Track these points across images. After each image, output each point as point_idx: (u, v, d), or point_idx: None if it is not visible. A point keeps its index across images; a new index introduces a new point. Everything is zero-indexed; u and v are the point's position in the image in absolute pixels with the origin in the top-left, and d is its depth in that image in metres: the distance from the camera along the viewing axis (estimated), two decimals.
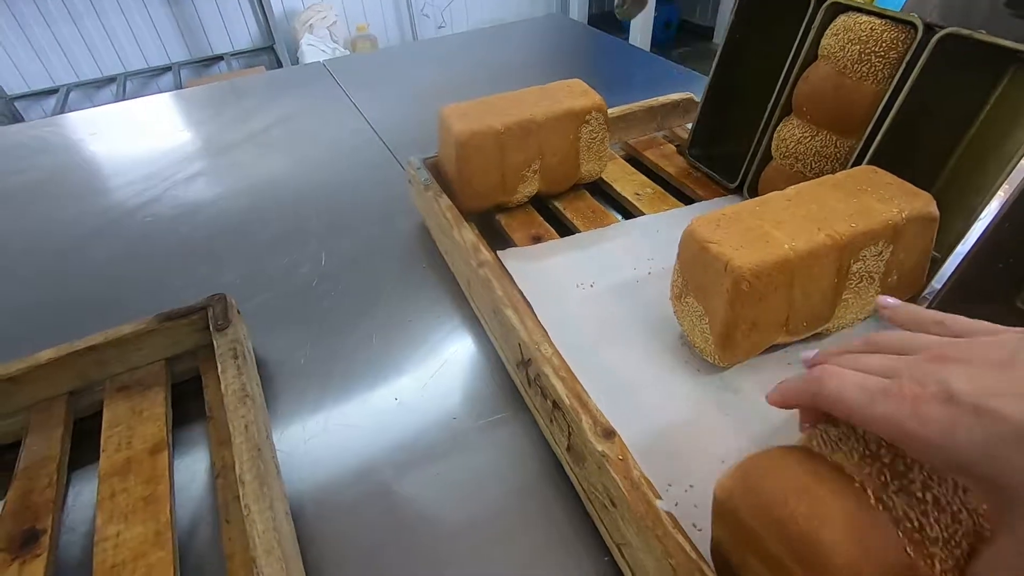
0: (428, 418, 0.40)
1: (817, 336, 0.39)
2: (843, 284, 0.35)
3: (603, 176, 0.57)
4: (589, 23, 3.08)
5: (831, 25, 0.43)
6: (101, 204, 0.67)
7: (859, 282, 0.36)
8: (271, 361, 0.45)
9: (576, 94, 0.51)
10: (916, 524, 0.20)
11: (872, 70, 0.40)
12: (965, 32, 0.36)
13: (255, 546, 0.27)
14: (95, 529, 0.32)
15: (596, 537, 0.32)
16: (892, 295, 0.37)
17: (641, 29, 2.61)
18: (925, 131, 0.39)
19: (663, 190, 0.56)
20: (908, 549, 0.19)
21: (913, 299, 0.40)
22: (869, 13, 0.40)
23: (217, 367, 0.38)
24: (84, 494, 0.36)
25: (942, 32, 0.36)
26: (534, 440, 0.38)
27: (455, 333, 0.46)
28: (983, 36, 0.35)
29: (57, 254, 0.59)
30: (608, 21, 3.29)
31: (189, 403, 0.41)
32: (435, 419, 0.40)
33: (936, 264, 0.40)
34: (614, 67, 0.98)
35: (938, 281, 0.40)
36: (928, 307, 0.39)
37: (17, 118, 2.25)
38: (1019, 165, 0.35)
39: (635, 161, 0.63)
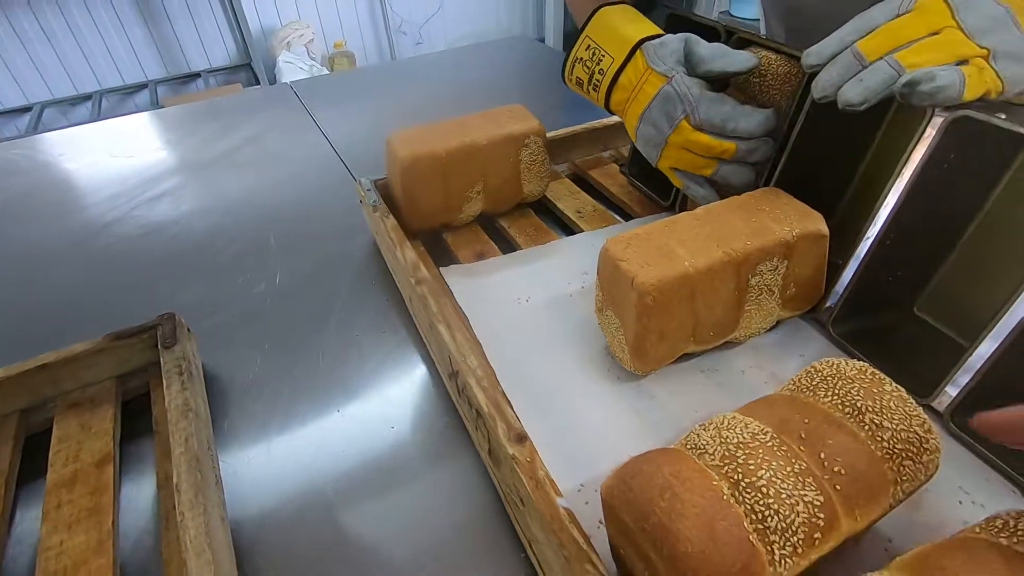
0: (369, 430, 0.42)
1: (728, 344, 0.42)
2: (743, 296, 0.38)
3: (548, 195, 0.60)
4: (564, 42, 3.14)
5: None
6: (66, 224, 0.69)
7: (759, 294, 0.39)
8: (222, 378, 0.47)
9: (517, 119, 0.55)
10: (760, 516, 0.23)
11: (772, 99, 0.44)
12: None
13: (187, 549, 0.29)
14: (39, 539, 0.33)
15: (515, 536, 0.35)
16: (792, 305, 0.41)
17: None
18: (823, 156, 0.43)
19: (604, 208, 0.59)
20: (752, 538, 0.22)
21: (814, 308, 0.43)
22: (768, 48, 0.44)
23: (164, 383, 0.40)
24: (32, 507, 0.38)
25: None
26: (465, 447, 0.40)
27: (399, 348, 0.48)
28: None
29: (17, 278, 0.60)
30: None
31: (138, 419, 0.43)
32: (376, 431, 0.42)
33: (838, 274, 0.43)
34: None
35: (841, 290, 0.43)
36: (833, 314, 0.42)
37: None
38: (898, 186, 0.39)
39: (580, 180, 0.66)
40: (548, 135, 0.57)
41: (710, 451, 0.26)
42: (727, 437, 0.26)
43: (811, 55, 0.37)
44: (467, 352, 0.38)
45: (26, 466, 0.39)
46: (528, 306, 0.47)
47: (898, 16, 0.35)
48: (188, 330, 0.45)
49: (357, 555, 0.35)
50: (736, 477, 0.24)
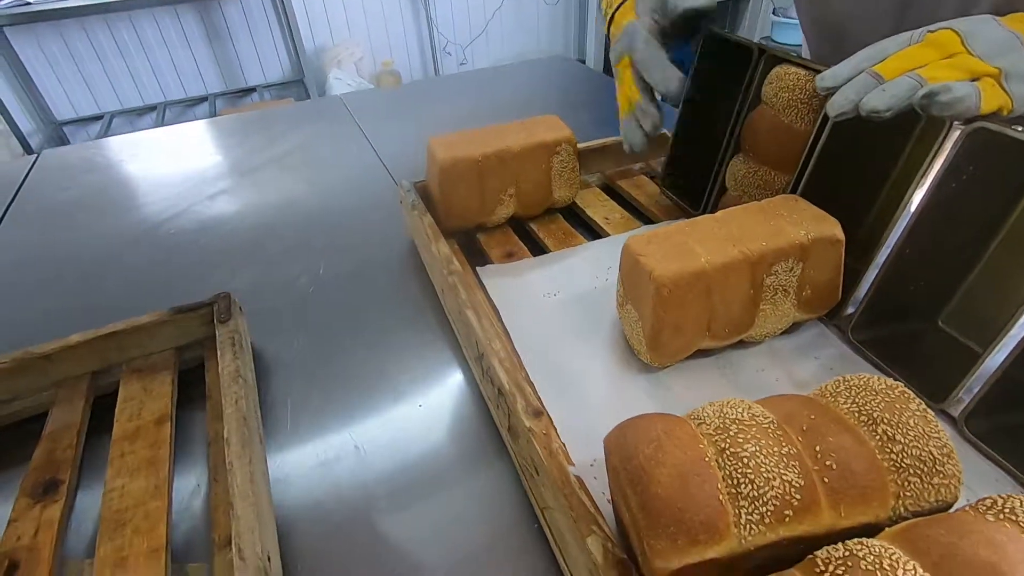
0: (399, 403, 0.45)
1: (745, 344, 0.44)
2: (759, 295, 0.40)
3: (577, 201, 0.63)
4: (604, 64, 3.19)
5: (769, 75, 0.49)
6: (134, 218, 0.75)
7: (774, 294, 0.40)
8: (267, 356, 0.51)
9: (550, 128, 0.58)
10: (735, 482, 0.24)
11: (799, 114, 0.46)
12: None
13: (234, 493, 0.33)
14: (105, 481, 0.37)
15: (529, 508, 0.37)
16: (808, 307, 0.42)
17: None
18: (846, 167, 0.44)
19: (631, 216, 0.62)
20: (722, 498, 0.24)
21: (834, 314, 0.45)
22: (798, 65, 0.46)
23: (218, 355, 0.44)
24: (99, 457, 0.42)
25: None
26: (489, 429, 0.43)
27: (431, 338, 0.52)
28: None
29: (94, 259, 0.67)
30: None
31: (193, 388, 0.47)
32: (406, 411, 0.45)
33: (859, 281, 0.44)
34: (611, 105, 1.05)
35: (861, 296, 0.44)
36: (853, 320, 0.43)
37: (64, 142, 2.42)
38: (918, 196, 0.40)
39: (610, 190, 0.68)
40: (581, 146, 0.60)
41: (707, 422, 0.28)
42: (727, 413, 0.28)
43: (826, 78, 0.40)
44: (492, 337, 0.40)
45: (94, 423, 0.44)
46: (555, 300, 0.50)
47: (909, 46, 0.38)
48: (240, 309, 0.49)
49: (377, 514, 0.38)
50: (723, 446, 0.26)
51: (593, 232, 0.62)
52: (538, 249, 0.58)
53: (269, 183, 0.82)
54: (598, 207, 0.63)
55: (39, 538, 0.35)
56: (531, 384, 0.39)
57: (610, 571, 0.26)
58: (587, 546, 0.27)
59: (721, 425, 0.27)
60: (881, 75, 0.37)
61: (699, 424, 0.28)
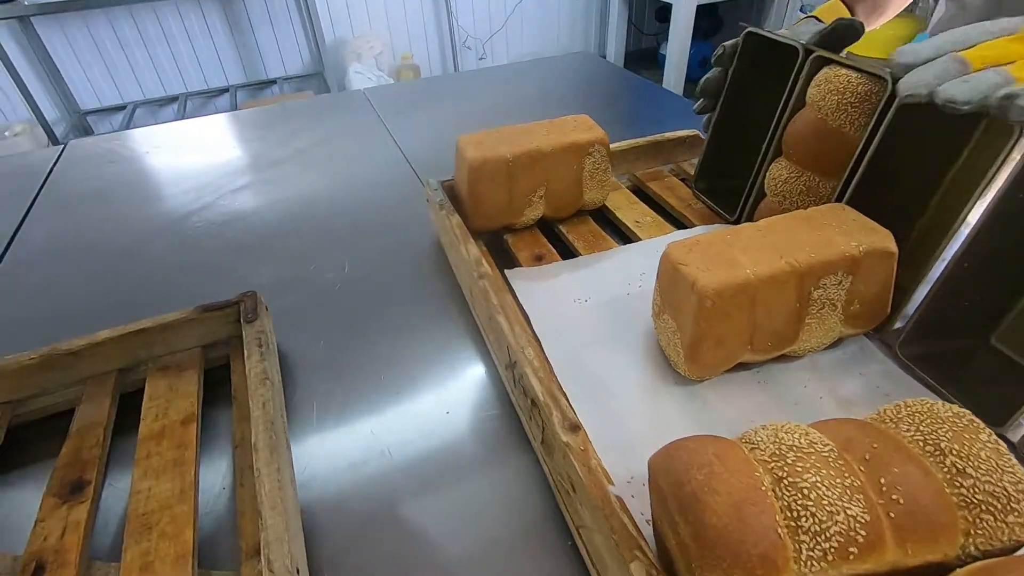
0: (425, 407, 0.44)
1: (785, 358, 0.42)
2: (805, 309, 0.38)
3: (607, 204, 0.61)
4: (626, 60, 3.15)
5: (816, 76, 0.47)
6: (158, 210, 0.75)
7: (821, 308, 0.39)
8: (292, 354, 0.50)
9: (582, 128, 0.56)
10: (794, 514, 0.23)
11: (849, 119, 0.44)
12: None
13: (262, 501, 0.32)
14: (132, 483, 0.37)
15: (562, 523, 0.36)
16: (855, 322, 0.40)
17: (677, 66, 2.67)
18: (898, 175, 0.42)
19: (662, 219, 0.60)
20: (780, 531, 0.23)
21: (880, 327, 0.43)
22: (847, 67, 0.44)
23: (244, 355, 0.43)
24: (125, 456, 0.42)
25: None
26: (516, 435, 0.41)
27: (457, 339, 0.51)
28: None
29: (119, 251, 0.67)
30: (643, 58, 3.38)
31: (218, 387, 0.46)
32: (431, 409, 0.44)
33: (909, 295, 0.42)
34: (636, 103, 1.03)
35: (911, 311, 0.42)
36: (902, 336, 0.41)
37: (88, 131, 2.45)
38: (979, 208, 0.38)
39: (640, 192, 0.67)
40: (611, 146, 0.59)
41: (761, 447, 0.26)
42: (783, 439, 0.26)
43: (905, 53, 0.37)
44: (525, 344, 0.39)
45: (119, 421, 0.43)
46: (586, 306, 0.49)
47: (1002, 37, 0.35)
48: (266, 308, 0.49)
49: (404, 518, 0.37)
50: (780, 474, 0.24)
51: (623, 235, 0.60)
52: (567, 252, 0.57)
53: (292, 178, 0.81)
54: (628, 209, 0.62)
55: (66, 540, 0.34)
56: (564, 394, 0.38)
57: None
58: (630, 572, 0.26)
59: (777, 452, 0.25)
60: (968, 63, 0.34)
61: (752, 449, 0.26)
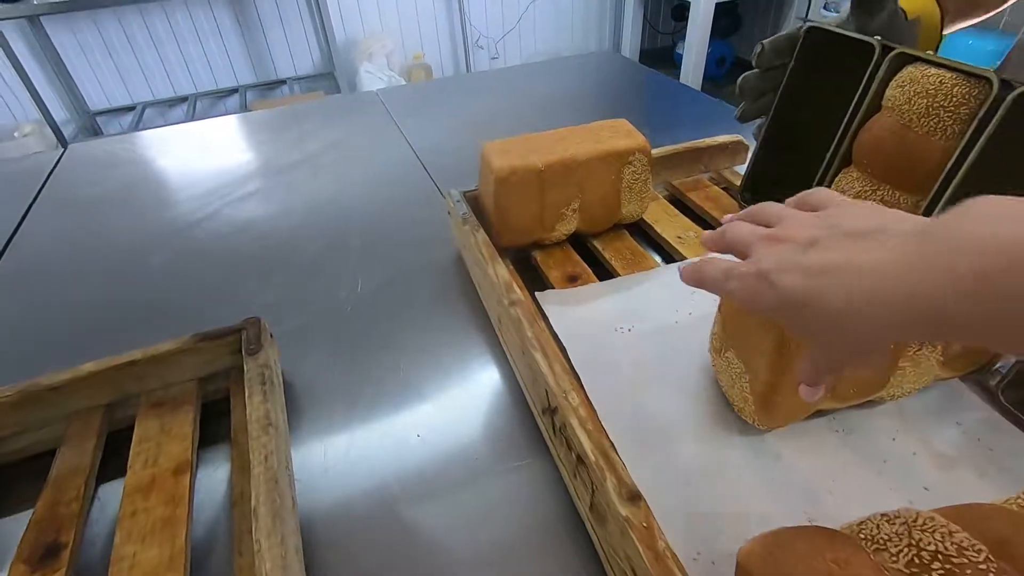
0: (448, 453, 0.39)
1: (870, 403, 0.36)
2: (899, 352, 0.33)
3: (644, 217, 0.56)
4: (641, 59, 3.09)
5: (897, 76, 0.41)
6: (163, 216, 0.70)
7: (918, 350, 0.33)
8: (299, 384, 0.45)
9: (620, 134, 0.51)
10: None
11: (940, 125, 0.38)
12: None
13: None
14: (113, 547, 0.32)
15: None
16: (954, 365, 0.34)
17: (694, 65, 2.60)
18: (1000, 190, 0.36)
19: None
20: None
21: (982, 369, 0.37)
22: (939, 66, 0.38)
23: (244, 390, 0.38)
24: (108, 507, 0.37)
25: (1021, 89, 0.33)
26: (554, 488, 0.36)
27: (482, 368, 0.45)
28: None
29: (114, 267, 0.62)
30: (658, 57, 3.31)
31: (216, 423, 0.41)
32: (455, 455, 0.39)
33: None
34: (662, 105, 0.97)
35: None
36: (1005, 379, 0.36)
37: (97, 132, 2.42)
38: None
39: (678, 202, 0.61)
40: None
41: (892, 550, 0.21)
42: (920, 540, 0.20)
43: None
44: (568, 388, 0.34)
45: (105, 462, 0.39)
46: (630, 336, 0.43)
47: None
48: (271, 335, 0.44)
49: (420, 559, 0.33)
50: None
51: (664, 252, 0.55)
52: (604, 272, 0.51)
53: (303, 183, 0.76)
54: (668, 223, 0.56)
55: None
56: (614, 447, 0.33)
57: None
58: None
59: (916, 560, 0.20)
60: None
61: (877, 550, 0.21)
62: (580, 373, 0.40)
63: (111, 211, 0.73)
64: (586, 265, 0.51)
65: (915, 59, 0.40)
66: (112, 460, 0.39)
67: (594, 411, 0.37)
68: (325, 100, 1.09)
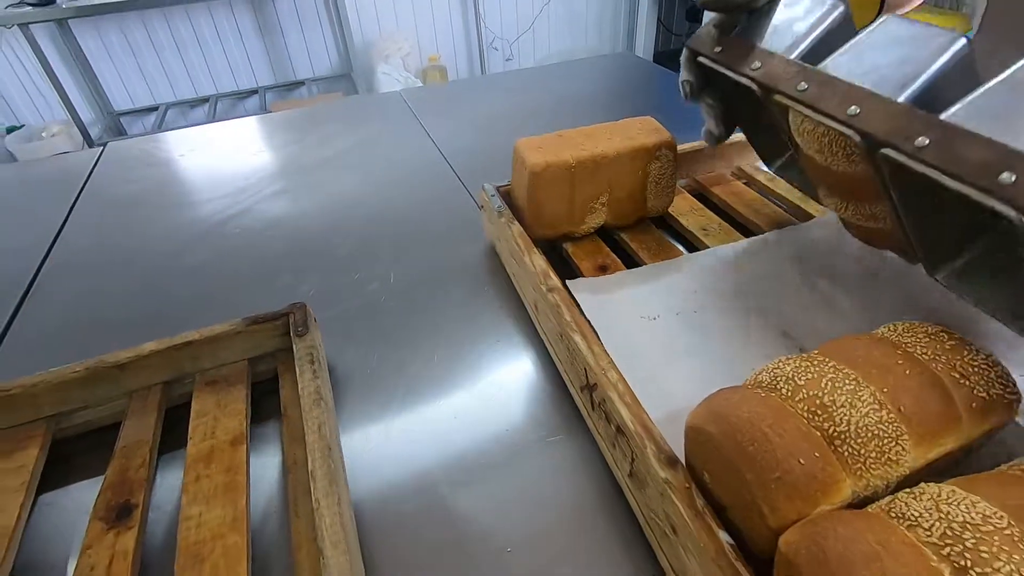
0: (485, 433, 0.41)
1: None
2: None
3: (669, 211, 0.58)
4: (655, 60, 3.10)
5: (790, 119, 0.39)
6: (197, 214, 0.73)
7: None
8: (340, 370, 0.47)
9: (647, 131, 0.53)
10: None
11: (850, 156, 0.36)
12: None
13: (323, 538, 0.29)
14: (180, 508, 0.34)
15: (650, 561, 0.32)
16: None
17: None
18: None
19: (730, 226, 0.56)
20: None
21: None
22: (813, 110, 0.35)
23: (294, 370, 0.40)
24: (170, 476, 0.39)
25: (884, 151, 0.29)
26: (590, 461, 0.38)
27: (515, 354, 0.47)
28: None
29: (159, 257, 0.65)
30: (672, 58, 3.32)
31: (266, 401, 0.44)
32: (492, 434, 0.41)
33: None
34: (678, 104, 0.99)
35: None
36: None
37: (121, 132, 2.48)
38: None
39: (702, 197, 0.63)
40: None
41: (924, 525, 0.22)
42: (948, 513, 0.22)
43: None
44: (607, 366, 0.36)
45: (164, 436, 0.41)
46: (658, 323, 0.45)
47: None
48: (315, 320, 0.46)
49: (472, 558, 0.34)
50: (963, 563, 0.20)
51: (689, 244, 0.57)
52: (632, 263, 0.53)
53: (330, 182, 0.79)
54: (692, 216, 0.58)
55: (114, 569, 0.32)
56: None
57: None
58: None
59: (948, 532, 0.21)
60: None
61: (911, 527, 0.22)
62: (613, 356, 0.42)
63: (149, 207, 0.76)
64: (615, 256, 0.53)
65: (792, 103, 0.36)
66: (171, 434, 0.41)
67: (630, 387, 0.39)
68: (348, 101, 1.12)
